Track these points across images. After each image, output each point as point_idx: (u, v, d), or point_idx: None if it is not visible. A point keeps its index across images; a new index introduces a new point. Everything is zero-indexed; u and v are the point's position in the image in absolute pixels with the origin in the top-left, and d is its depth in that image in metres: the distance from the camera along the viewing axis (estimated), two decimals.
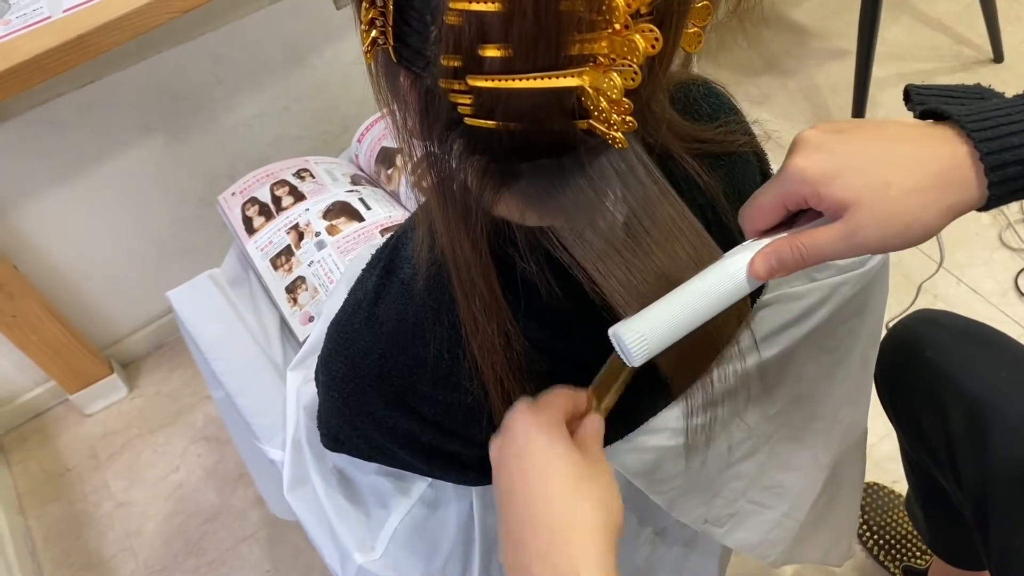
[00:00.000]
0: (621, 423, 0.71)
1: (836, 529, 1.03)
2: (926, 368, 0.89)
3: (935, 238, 1.10)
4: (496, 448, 0.56)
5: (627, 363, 0.53)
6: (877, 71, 1.73)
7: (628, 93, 0.39)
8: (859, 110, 1.74)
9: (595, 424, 0.58)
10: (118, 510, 1.56)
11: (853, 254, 0.50)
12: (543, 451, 0.52)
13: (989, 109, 0.50)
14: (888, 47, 2.06)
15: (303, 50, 1.55)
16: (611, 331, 0.53)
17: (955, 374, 0.86)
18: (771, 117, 1.93)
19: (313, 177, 1.20)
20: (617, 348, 0.53)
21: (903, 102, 0.56)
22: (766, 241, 0.53)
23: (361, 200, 1.16)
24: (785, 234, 0.52)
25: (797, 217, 0.54)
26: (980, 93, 0.55)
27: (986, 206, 0.50)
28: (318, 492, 0.76)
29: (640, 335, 0.51)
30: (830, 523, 1.00)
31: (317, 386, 0.71)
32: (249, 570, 1.45)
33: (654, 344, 0.52)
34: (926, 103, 0.53)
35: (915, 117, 0.54)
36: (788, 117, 1.96)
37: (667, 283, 0.57)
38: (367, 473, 0.75)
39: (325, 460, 0.78)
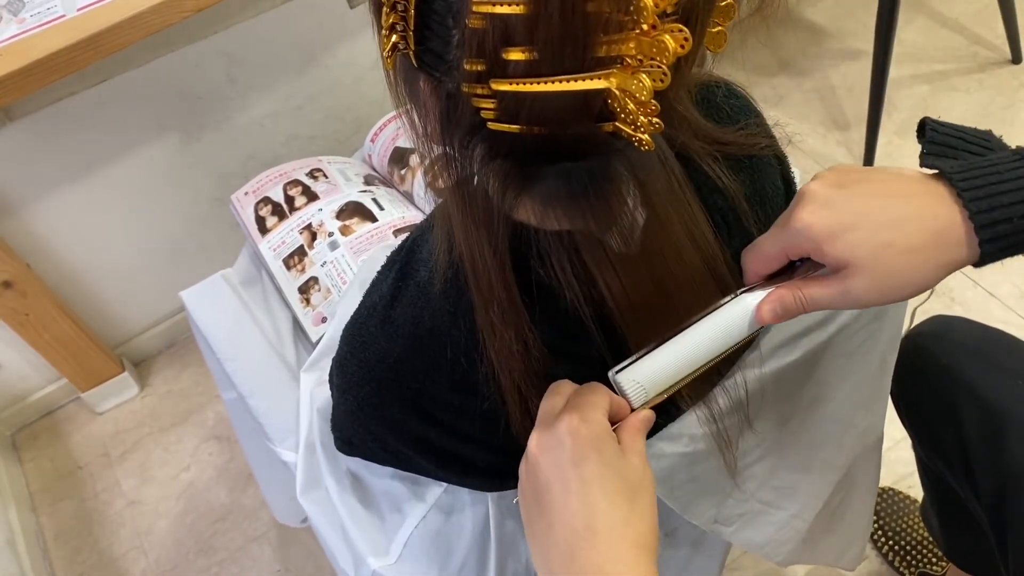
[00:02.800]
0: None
1: (849, 532, 1.02)
2: (941, 375, 0.88)
3: None
4: (540, 447, 0.54)
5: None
6: (893, 72, 1.71)
7: (655, 94, 0.38)
8: (875, 111, 1.72)
9: (638, 423, 0.56)
10: (129, 508, 1.56)
11: (847, 308, 0.55)
12: (600, 466, 0.51)
13: (982, 165, 0.51)
14: (904, 47, 2.05)
15: (316, 49, 1.55)
16: (610, 375, 0.55)
17: (970, 381, 0.85)
18: (786, 118, 1.91)
19: (326, 177, 1.20)
20: (617, 392, 0.55)
21: (916, 135, 0.57)
22: (763, 291, 0.56)
23: (374, 200, 1.15)
24: (786, 280, 0.56)
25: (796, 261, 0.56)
26: (987, 140, 0.55)
27: (980, 262, 0.51)
28: (331, 495, 0.75)
29: (638, 384, 0.54)
30: (843, 526, 1.00)
31: (331, 389, 0.70)
32: (260, 570, 1.45)
33: (652, 390, 0.55)
34: (930, 152, 0.55)
35: (920, 161, 0.55)
36: (803, 118, 1.95)
37: (671, 293, 0.56)
38: (381, 477, 0.74)
39: (339, 463, 0.78)
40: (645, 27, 0.37)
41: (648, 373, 0.55)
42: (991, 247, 0.50)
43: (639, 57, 0.37)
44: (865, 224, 0.50)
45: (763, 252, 0.56)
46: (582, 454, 0.51)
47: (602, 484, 0.51)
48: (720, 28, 0.45)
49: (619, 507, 0.50)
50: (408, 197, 1.21)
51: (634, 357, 0.56)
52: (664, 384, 0.55)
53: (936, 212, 0.50)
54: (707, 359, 0.55)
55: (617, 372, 0.55)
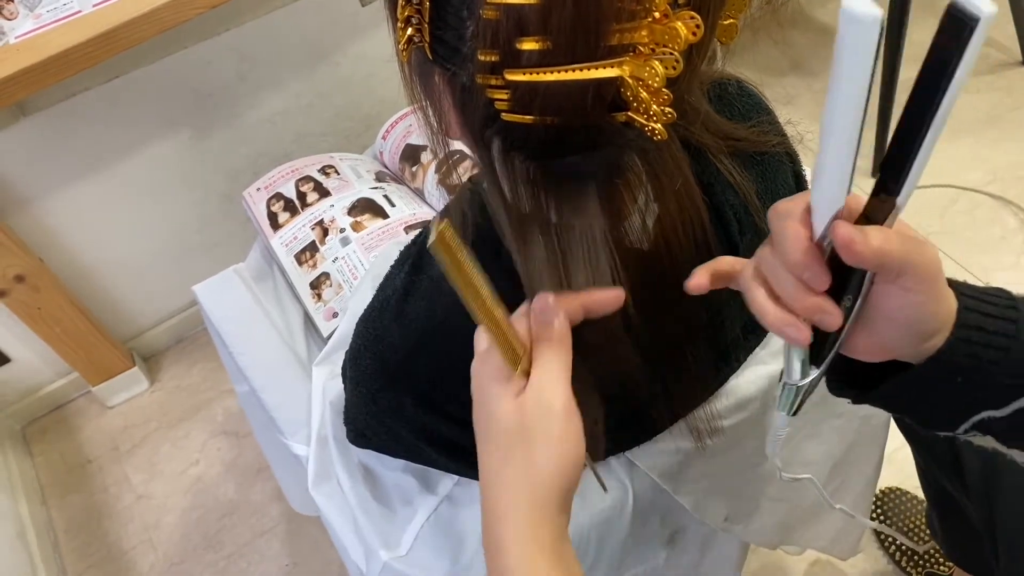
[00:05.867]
0: (647, 426, 0.70)
1: (844, 521, 1.01)
2: None
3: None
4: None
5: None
6: (903, 73, 1.71)
7: (667, 83, 0.39)
8: (885, 112, 1.72)
9: (548, 342, 0.50)
10: (138, 503, 1.57)
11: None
12: (478, 409, 0.51)
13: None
14: (915, 48, 2.04)
15: (327, 47, 1.56)
16: None
17: None
18: (797, 118, 1.91)
19: (338, 173, 1.20)
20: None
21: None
22: None
23: (386, 197, 1.16)
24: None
25: None
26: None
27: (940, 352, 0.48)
28: (343, 488, 0.76)
29: None
30: (837, 513, 0.99)
31: (344, 382, 0.71)
32: (268, 564, 1.46)
33: None
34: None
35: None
36: (814, 118, 1.91)
37: (677, 287, 0.56)
38: (393, 470, 0.75)
39: (350, 456, 0.78)
40: (657, 15, 0.37)
41: None
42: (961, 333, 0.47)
43: (651, 45, 0.38)
44: None
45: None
46: (476, 401, 0.51)
47: (479, 429, 0.51)
48: (732, 21, 0.45)
49: (492, 456, 0.49)
50: (419, 194, 1.22)
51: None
52: None
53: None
54: None
55: None
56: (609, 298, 0.51)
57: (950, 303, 0.47)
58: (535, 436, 0.48)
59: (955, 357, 0.47)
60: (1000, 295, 0.50)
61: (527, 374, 0.49)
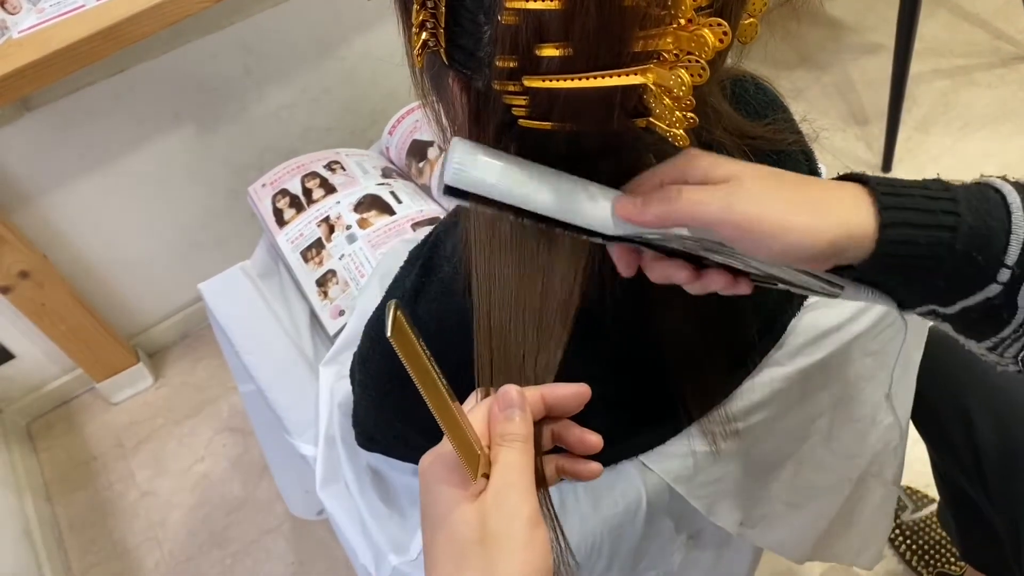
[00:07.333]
0: (660, 429, 0.70)
1: (867, 531, 1.01)
2: (952, 381, 0.87)
3: None
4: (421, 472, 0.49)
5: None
6: (914, 66, 1.69)
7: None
8: (895, 106, 1.70)
9: (506, 472, 0.45)
10: (143, 499, 1.57)
11: (730, 226, 0.44)
12: (436, 512, 0.45)
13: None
14: (925, 42, 2.03)
15: (333, 41, 1.54)
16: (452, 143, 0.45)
17: (982, 388, 0.84)
18: (806, 112, 1.89)
19: (344, 170, 1.19)
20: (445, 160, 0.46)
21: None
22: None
23: (392, 193, 1.14)
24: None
25: None
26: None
27: (871, 258, 0.44)
28: (351, 490, 0.75)
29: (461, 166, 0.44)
30: (861, 524, 0.99)
31: (352, 384, 0.70)
32: (274, 562, 1.45)
33: (471, 179, 0.44)
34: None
35: None
36: (823, 112, 1.93)
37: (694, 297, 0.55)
38: (402, 473, 0.74)
39: (358, 458, 0.77)
40: (682, 21, 0.36)
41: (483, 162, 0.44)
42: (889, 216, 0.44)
43: (676, 52, 0.36)
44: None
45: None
46: (425, 502, 0.46)
47: (426, 535, 0.45)
48: (752, 20, 0.44)
49: (442, 566, 0.43)
50: (426, 190, 1.21)
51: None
52: (486, 185, 0.44)
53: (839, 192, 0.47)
54: (542, 205, 0.45)
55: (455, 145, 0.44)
56: (572, 395, 0.49)
57: (830, 220, 0.43)
58: (497, 544, 0.42)
59: (877, 272, 0.45)
60: (937, 192, 0.45)
61: (486, 476, 0.45)
